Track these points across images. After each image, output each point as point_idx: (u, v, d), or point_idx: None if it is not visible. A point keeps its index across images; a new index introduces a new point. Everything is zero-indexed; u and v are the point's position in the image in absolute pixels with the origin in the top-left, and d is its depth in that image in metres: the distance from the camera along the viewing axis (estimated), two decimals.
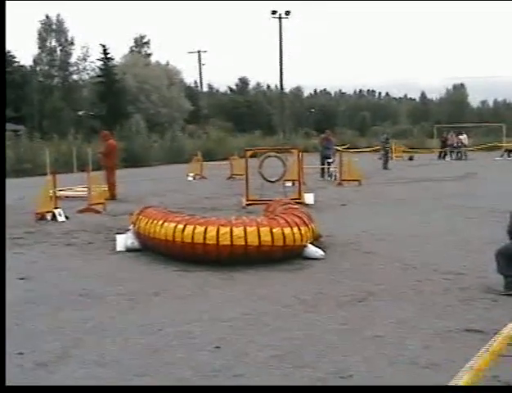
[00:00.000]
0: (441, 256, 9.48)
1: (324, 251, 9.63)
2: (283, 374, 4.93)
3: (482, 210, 14.61)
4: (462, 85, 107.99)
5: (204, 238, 8.85)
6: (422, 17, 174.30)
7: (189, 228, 9.00)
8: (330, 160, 25.84)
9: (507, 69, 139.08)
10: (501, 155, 42.57)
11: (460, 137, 43.95)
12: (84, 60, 74.44)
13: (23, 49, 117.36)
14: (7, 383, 4.44)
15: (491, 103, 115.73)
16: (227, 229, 8.86)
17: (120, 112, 63.41)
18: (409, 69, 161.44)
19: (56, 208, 14.12)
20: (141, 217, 10.25)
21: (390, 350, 5.43)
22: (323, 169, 26.29)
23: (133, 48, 79.26)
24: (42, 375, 5.00)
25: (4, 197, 12.40)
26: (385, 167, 32.02)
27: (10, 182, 23.28)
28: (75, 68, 75.03)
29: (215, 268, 8.69)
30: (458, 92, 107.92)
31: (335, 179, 23.75)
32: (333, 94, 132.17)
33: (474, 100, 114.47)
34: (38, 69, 72.57)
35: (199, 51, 74.87)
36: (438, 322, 6.21)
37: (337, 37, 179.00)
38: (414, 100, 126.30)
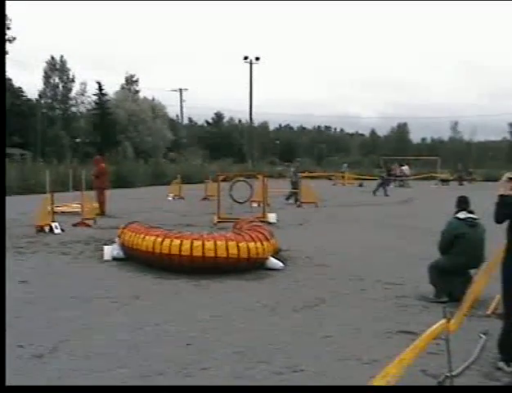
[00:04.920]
0: (384, 269, 9.59)
1: (283, 263, 9.68)
2: (244, 368, 4.95)
3: (420, 230, 14.81)
4: (405, 124, 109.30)
5: (180, 250, 8.86)
6: (371, 61, 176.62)
7: (166, 241, 9.01)
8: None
9: (443, 111, 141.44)
10: (436, 184, 43.24)
11: (403, 168, 44.54)
12: (82, 95, 74.64)
13: (30, 85, 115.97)
14: (9, 371, 4.41)
15: (428, 140, 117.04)
16: (200, 243, 8.87)
17: (111, 140, 63.32)
18: (357, 108, 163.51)
19: (53, 221, 14.00)
20: (125, 231, 10.23)
21: (337, 349, 5.48)
22: (295, 192, 24.34)
23: (124, 85, 79.07)
24: (37, 365, 4.98)
25: (4, 209, 12.22)
26: (375, 191, 30.88)
27: (15, 199, 23.37)
28: (74, 101, 75.04)
29: (189, 277, 8.68)
30: (402, 130, 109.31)
31: (296, 201, 23.54)
32: (295, 129, 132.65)
33: (415, 137, 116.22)
34: (42, 102, 72.22)
35: (180, 89, 75.54)
36: (378, 324, 6.30)
37: (300, 77, 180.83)
38: (363, 135, 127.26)
